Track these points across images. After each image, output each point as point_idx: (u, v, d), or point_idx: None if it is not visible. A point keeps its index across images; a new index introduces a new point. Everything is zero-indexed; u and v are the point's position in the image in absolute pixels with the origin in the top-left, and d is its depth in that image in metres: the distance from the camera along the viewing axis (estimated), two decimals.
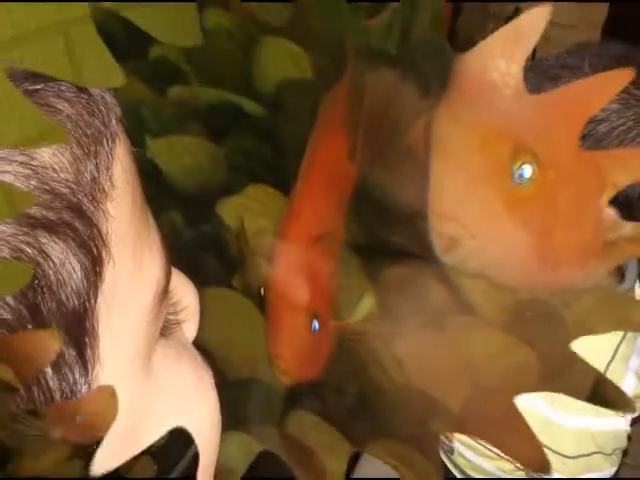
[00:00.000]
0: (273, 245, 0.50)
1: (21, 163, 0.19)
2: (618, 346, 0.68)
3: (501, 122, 0.42)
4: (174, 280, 0.27)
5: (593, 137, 0.57)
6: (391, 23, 0.48)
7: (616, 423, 0.69)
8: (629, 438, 0.73)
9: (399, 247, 0.48)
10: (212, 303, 0.42)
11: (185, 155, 0.55)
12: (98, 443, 0.22)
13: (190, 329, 0.30)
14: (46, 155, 0.20)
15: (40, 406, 0.20)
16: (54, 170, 0.20)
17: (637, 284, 0.72)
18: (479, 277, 0.45)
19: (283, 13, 0.48)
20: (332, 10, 0.50)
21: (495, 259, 0.45)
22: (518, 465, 0.75)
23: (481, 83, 0.40)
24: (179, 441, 0.26)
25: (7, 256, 0.19)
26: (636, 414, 0.73)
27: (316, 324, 0.49)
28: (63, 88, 0.20)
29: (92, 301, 0.21)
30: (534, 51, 0.39)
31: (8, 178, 0.19)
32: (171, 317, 0.28)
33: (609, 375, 0.67)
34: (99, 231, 0.21)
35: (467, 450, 0.82)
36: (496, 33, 0.38)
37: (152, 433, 0.25)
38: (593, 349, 0.59)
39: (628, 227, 0.41)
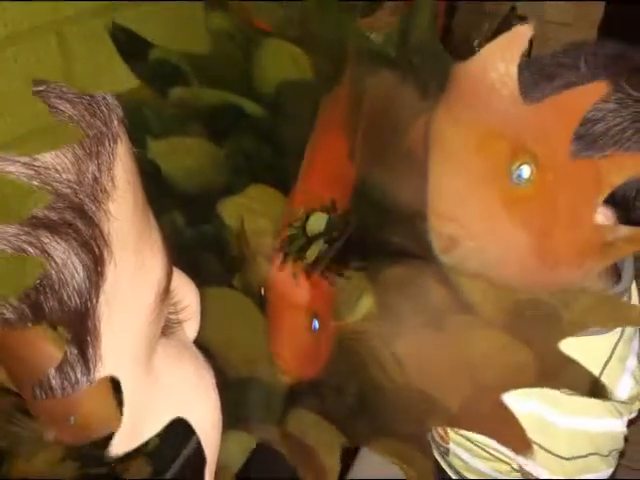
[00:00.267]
0: (273, 245, 0.50)
1: (24, 164, 0.19)
2: (616, 345, 0.68)
3: (500, 123, 0.42)
4: (175, 280, 0.27)
5: (589, 137, 0.56)
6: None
7: (613, 424, 0.69)
8: (626, 439, 0.72)
9: (399, 247, 0.48)
10: (213, 303, 0.42)
11: (186, 156, 0.55)
12: (91, 444, 0.22)
13: (191, 328, 0.30)
14: (48, 156, 0.20)
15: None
16: (56, 171, 0.20)
17: (633, 285, 0.71)
18: (478, 277, 0.45)
19: (279, 13, 0.48)
20: (326, 9, 0.50)
21: (494, 259, 0.45)
22: (514, 466, 0.75)
23: (480, 84, 0.40)
24: (174, 442, 0.26)
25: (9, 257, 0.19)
26: (632, 415, 0.72)
27: (316, 324, 0.50)
28: (65, 89, 0.20)
29: (94, 300, 0.21)
30: (530, 49, 0.39)
31: (11, 179, 0.19)
32: (172, 317, 0.28)
33: (607, 374, 0.67)
34: (101, 231, 0.21)
35: (463, 451, 0.81)
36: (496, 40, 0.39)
37: (152, 432, 0.25)
38: (591, 348, 0.59)
39: (625, 229, 0.41)
